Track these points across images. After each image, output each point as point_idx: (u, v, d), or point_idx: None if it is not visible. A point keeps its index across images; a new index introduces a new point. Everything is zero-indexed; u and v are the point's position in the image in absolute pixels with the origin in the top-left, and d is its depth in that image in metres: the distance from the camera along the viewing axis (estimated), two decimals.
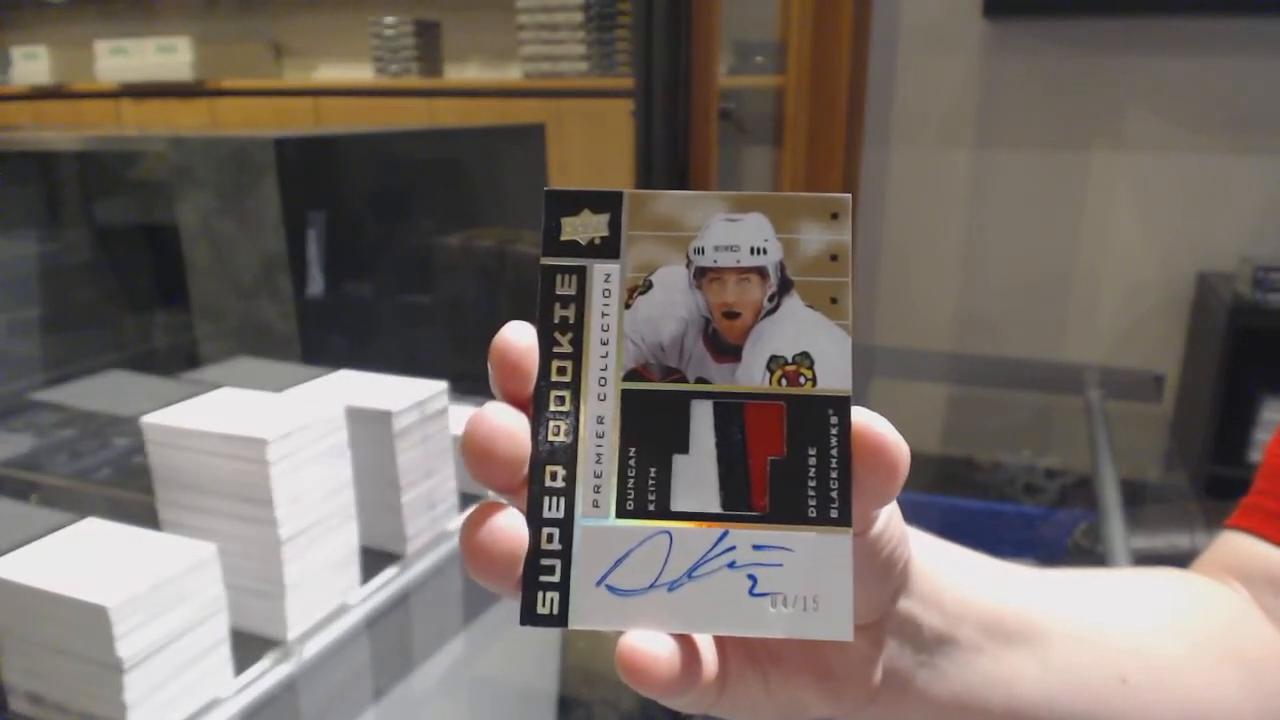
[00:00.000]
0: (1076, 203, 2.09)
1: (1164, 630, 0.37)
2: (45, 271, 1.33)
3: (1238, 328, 1.77)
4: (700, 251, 0.24)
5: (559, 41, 2.49)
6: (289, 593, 0.70)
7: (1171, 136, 2.00)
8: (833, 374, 0.23)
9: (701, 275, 0.24)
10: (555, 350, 0.24)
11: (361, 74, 2.92)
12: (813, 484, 0.23)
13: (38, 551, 0.61)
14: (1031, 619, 0.32)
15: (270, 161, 1.07)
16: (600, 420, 0.23)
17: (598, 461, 0.23)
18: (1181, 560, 0.47)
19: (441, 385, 0.84)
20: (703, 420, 0.23)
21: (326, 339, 1.15)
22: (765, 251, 0.24)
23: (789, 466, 0.23)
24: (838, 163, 1.99)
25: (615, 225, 0.24)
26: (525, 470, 0.23)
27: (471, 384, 1.00)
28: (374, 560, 0.81)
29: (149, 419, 0.71)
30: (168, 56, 2.86)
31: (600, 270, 0.24)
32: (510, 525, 0.22)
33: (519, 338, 0.23)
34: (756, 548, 0.23)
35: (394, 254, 1.29)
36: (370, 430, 0.79)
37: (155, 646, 0.59)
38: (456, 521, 0.89)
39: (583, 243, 0.24)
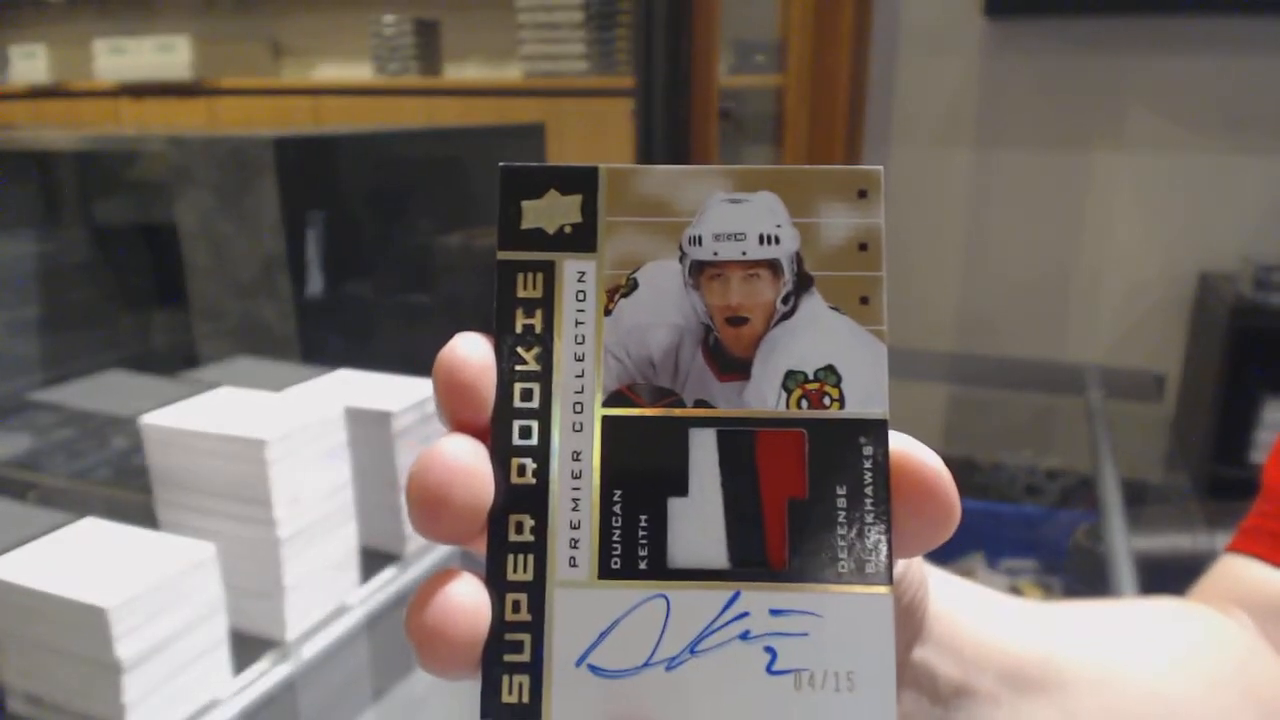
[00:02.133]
0: (1077, 202, 2.09)
1: (1181, 671, 0.36)
2: (44, 271, 1.33)
3: (1239, 328, 1.77)
4: (697, 241, 0.20)
5: (559, 41, 2.49)
6: (288, 593, 0.70)
7: (1173, 136, 1.99)
8: (865, 393, 0.19)
9: (699, 271, 0.20)
10: (518, 369, 0.19)
11: (360, 73, 2.92)
12: (843, 532, 0.19)
13: (36, 552, 0.61)
14: (1052, 665, 0.30)
15: (269, 161, 1.07)
16: (576, 456, 0.19)
17: (574, 509, 0.19)
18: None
19: None
20: (704, 454, 0.19)
21: (325, 339, 1.15)
22: (778, 240, 0.20)
23: (813, 510, 0.19)
24: (838, 162, 1.99)
25: (590, 209, 0.20)
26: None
27: None
28: (373, 560, 0.81)
29: (148, 419, 0.70)
30: (166, 55, 2.86)
31: (572, 267, 0.20)
32: (472, 597, 0.18)
33: (472, 353, 0.19)
34: (775, 613, 0.18)
35: (393, 254, 1.28)
36: (369, 430, 0.79)
37: (154, 647, 0.58)
38: None
39: (550, 232, 0.20)
